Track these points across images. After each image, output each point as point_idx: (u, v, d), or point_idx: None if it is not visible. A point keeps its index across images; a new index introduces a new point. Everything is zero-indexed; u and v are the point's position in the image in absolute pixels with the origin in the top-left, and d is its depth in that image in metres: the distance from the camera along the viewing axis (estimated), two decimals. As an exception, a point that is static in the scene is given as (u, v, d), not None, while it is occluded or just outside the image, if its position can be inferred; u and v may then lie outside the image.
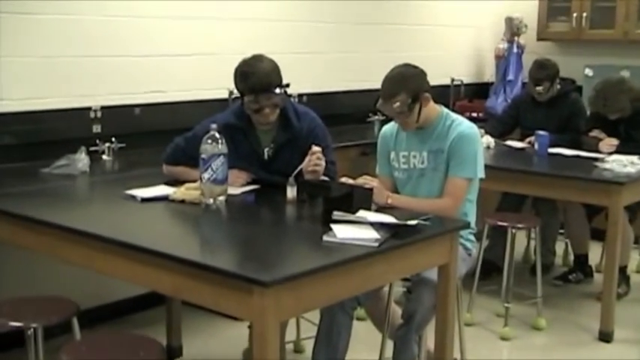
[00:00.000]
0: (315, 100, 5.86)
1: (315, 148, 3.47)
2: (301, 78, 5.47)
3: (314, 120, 3.74)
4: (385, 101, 3.57)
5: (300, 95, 5.84)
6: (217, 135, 3.33)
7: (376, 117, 6.27)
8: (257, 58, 3.57)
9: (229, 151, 3.38)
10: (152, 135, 4.81)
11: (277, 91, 3.53)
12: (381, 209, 3.27)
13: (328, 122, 3.85)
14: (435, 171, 3.64)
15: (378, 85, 3.61)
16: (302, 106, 3.86)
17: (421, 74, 3.61)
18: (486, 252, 5.26)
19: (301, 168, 3.45)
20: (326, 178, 3.49)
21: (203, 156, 3.32)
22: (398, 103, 3.53)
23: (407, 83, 3.54)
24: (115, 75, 4.77)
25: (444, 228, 3.20)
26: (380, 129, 3.94)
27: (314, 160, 3.44)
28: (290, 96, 3.84)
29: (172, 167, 3.82)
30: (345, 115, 6.27)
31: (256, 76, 3.50)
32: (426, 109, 3.60)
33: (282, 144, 3.68)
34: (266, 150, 3.71)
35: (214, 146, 3.32)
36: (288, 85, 3.57)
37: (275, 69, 3.56)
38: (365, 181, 3.40)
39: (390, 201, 3.42)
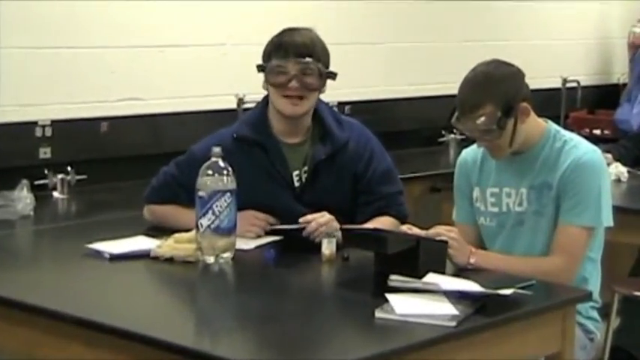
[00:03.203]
0: (364, 110, 5.90)
1: (307, 217, 3.58)
2: (343, 80, 5.45)
3: (364, 132, 3.84)
4: (465, 115, 3.59)
5: (342, 104, 5.88)
6: (222, 163, 3.37)
7: (452, 136, 6.31)
8: (302, 28, 3.76)
9: (242, 175, 3.43)
10: (125, 162, 4.89)
11: (317, 65, 3.67)
12: (461, 272, 3.30)
13: (383, 143, 3.90)
14: (540, 216, 3.64)
15: (454, 90, 3.64)
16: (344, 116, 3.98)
17: (517, 75, 3.63)
18: (617, 336, 5.23)
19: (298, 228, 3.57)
20: (368, 227, 3.53)
21: (201, 193, 3.35)
22: (483, 118, 3.54)
23: (496, 89, 3.55)
24: (72, 75, 4.85)
25: (553, 300, 3.22)
26: (458, 154, 3.97)
27: (315, 232, 3.55)
28: (328, 105, 3.91)
29: (157, 206, 3.85)
30: (407, 133, 6.32)
31: (295, 37, 3.69)
32: (525, 126, 3.62)
33: (319, 163, 3.74)
34: (295, 174, 3.77)
35: (217, 179, 3.35)
36: (334, 76, 3.74)
37: (324, 45, 3.75)
38: (438, 232, 3.42)
39: (473, 260, 3.43)
